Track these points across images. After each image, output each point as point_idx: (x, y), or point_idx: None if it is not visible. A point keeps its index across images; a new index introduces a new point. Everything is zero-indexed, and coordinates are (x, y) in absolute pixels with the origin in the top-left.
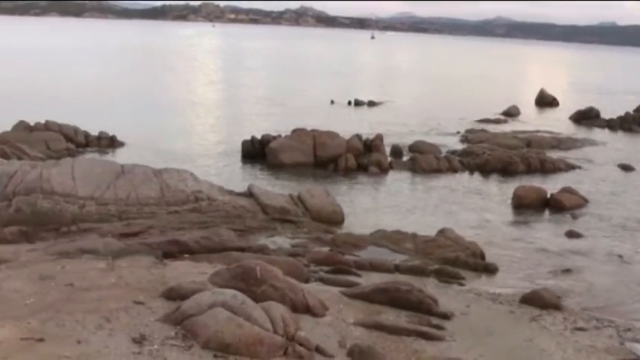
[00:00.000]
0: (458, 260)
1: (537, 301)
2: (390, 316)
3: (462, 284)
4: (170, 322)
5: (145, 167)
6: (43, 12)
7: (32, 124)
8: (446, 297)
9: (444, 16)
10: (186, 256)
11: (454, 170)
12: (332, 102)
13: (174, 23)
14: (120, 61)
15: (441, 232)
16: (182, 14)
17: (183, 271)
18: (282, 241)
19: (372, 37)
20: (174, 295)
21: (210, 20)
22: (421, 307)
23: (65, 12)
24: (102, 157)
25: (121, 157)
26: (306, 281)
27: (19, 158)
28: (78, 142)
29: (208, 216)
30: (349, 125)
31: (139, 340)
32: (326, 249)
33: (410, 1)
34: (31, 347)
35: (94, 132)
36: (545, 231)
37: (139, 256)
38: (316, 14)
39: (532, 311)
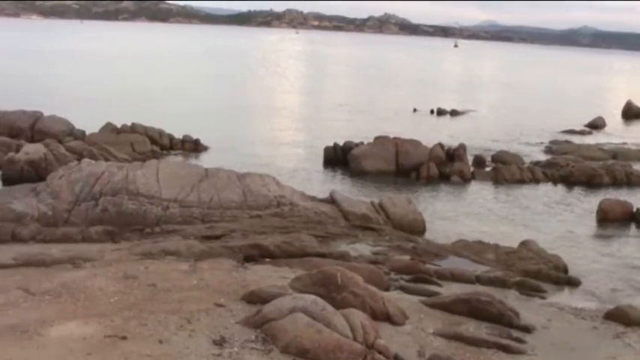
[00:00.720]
0: (540, 273)
1: (622, 317)
2: (470, 328)
3: (543, 297)
4: (250, 326)
5: (229, 171)
6: (131, 17)
7: (119, 126)
8: (527, 310)
9: (529, 25)
10: (267, 260)
11: (537, 181)
12: (414, 110)
13: (258, 29)
14: (204, 66)
15: (523, 243)
16: (266, 20)
17: (264, 275)
18: (362, 248)
19: (455, 46)
20: (255, 298)
21: (294, 27)
22: (502, 319)
23: (152, 17)
24: (186, 160)
25: (204, 160)
26: (387, 289)
27: (106, 159)
28: (162, 145)
29: (290, 221)
30: (431, 134)
31: (220, 342)
32: (407, 257)
33: (493, 5)
34: (115, 345)
35: (178, 135)
36: (631, 246)
37: (221, 258)
38: (399, 22)
39: (616, 328)
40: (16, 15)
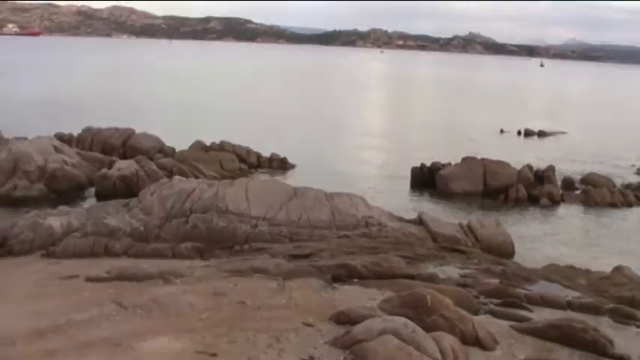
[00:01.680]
0: (635, 300)
1: None
2: (563, 355)
3: (639, 326)
4: (339, 346)
5: (317, 191)
6: (218, 36)
7: (208, 144)
8: (622, 338)
9: (618, 44)
10: (355, 280)
11: (629, 205)
12: (501, 131)
13: (343, 48)
14: (290, 85)
15: (617, 269)
16: (351, 40)
17: (353, 296)
18: (451, 270)
19: (542, 65)
20: (344, 319)
21: (379, 46)
22: (596, 347)
23: (239, 36)
24: (274, 179)
25: (291, 178)
26: (476, 313)
27: (195, 177)
28: (250, 163)
29: (378, 242)
30: (519, 155)
31: None
32: (496, 281)
33: (580, 23)
34: None
35: (265, 153)
36: None
37: (309, 278)
38: (484, 41)
39: None
40: (108, 35)
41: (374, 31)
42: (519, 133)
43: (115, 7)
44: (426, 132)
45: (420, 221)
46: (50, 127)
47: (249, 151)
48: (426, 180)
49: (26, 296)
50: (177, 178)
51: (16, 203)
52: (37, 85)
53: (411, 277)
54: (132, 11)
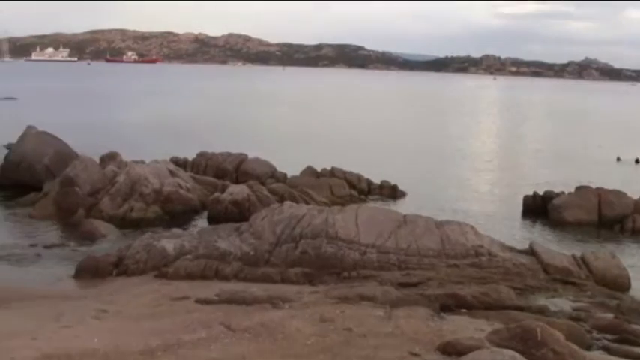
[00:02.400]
0: None
1: None
2: None
3: None
4: None
5: (427, 218)
6: (330, 63)
7: (319, 170)
8: None
9: None
10: (463, 310)
11: None
12: (618, 159)
13: (455, 75)
14: (402, 111)
15: None
16: (463, 66)
17: (460, 326)
18: (562, 303)
19: None
20: (451, 349)
21: (491, 73)
22: None
23: (351, 63)
24: (384, 206)
25: (401, 206)
26: (588, 348)
27: (306, 202)
28: (361, 190)
29: (487, 271)
30: (636, 184)
31: None
32: (610, 315)
33: None
34: None
35: (376, 180)
36: None
37: (417, 306)
38: (600, 66)
39: None
40: (224, 62)
41: (486, 57)
42: (637, 161)
43: (230, 35)
44: (538, 160)
45: (531, 251)
46: (166, 151)
47: (360, 177)
48: (539, 209)
49: (140, 315)
50: (287, 203)
51: (132, 224)
52: (154, 110)
53: (521, 309)
54: (247, 39)
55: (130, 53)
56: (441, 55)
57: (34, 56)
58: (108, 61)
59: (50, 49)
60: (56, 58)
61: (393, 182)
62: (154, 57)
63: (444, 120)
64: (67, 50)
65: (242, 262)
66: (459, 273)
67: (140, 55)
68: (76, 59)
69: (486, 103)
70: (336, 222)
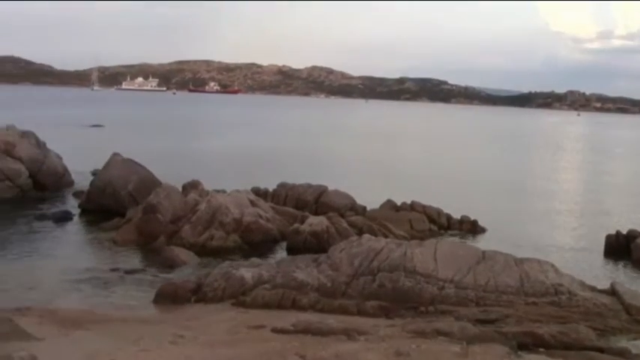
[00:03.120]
0: None
1: None
2: None
3: None
4: None
5: (506, 255)
6: (412, 97)
7: (398, 203)
8: None
9: None
10: (541, 350)
11: None
12: None
13: (539, 110)
14: (483, 146)
15: None
16: (546, 102)
17: None
18: None
19: None
20: None
21: (575, 108)
22: None
23: (433, 97)
24: (463, 241)
25: (481, 241)
26: None
27: (385, 236)
28: (440, 224)
29: (567, 311)
30: None
31: None
32: None
33: None
34: None
35: (456, 215)
36: None
37: (493, 344)
38: None
39: None
40: (306, 94)
41: (571, 92)
42: None
43: (313, 68)
44: (622, 197)
45: (612, 291)
46: (247, 180)
47: (439, 212)
48: (622, 248)
49: (216, 341)
50: (366, 236)
51: (211, 252)
52: (236, 139)
53: (601, 351)
54: (330, 71)
55: (212, 84)
56: (525, 90)
57: (124, 85)
58: (190, 91)
59: (140, 79)
60: (145, 88)
61: (472, 217)
62: (235, 88)
63: (526, 156)
64: (157, 80)
65: (319, 293)
66: (538, 311)
67: (223, 85)
68: (164, 89)
69: (570, 140)
70: (415, 256)
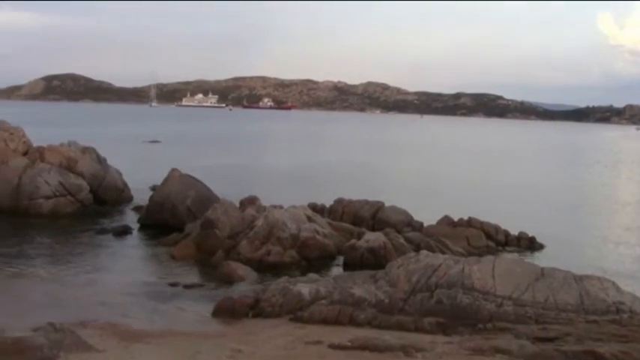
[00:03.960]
0: None
1: None
2: None
3: None
4: None
5: (566, 272)
6: (468, 112)
7: (455, 219)
8: None
9: None
10: None
11: None
12: None
13: (596, 125)
14: (540, 162)
15: None
16: (605, 116)
17: None
18: None
19: None
20: None
21: (635, 123)
22: None
23: (489, 112)
24: (521, 258)
25: (539, 258)
26: None
27: (442, 252)
28: (498, 241)
29: (628, 330)
30: None
31: None
32: None
33: None
34: None
35: (514, 231)
36: None
37: None
38: None
39: None
40: (362, 109)
41: (630, 107)
42: None
43: (369, 84)
44: None
45: None
46: (304, 196)
47: (497, 228)
48: None
49: (274, 356)
50: (424, 252)
51: (269, 268)
52: (293, 155)
53: None
54: (385, 87)
55: (265, 100)
56: (582, 104)
57: (184, 102)
58: (245, 107)
59: (200, 95)
60: (205, 104)
61: (530, 234)
62: (289, 103)
63: (584, 171)
64: (216, 96)
65: (376, 309)
66: (598, 330)
67: (278, 101)
68: (224, 105)
69: (629, 154)
70: (473, 273)
